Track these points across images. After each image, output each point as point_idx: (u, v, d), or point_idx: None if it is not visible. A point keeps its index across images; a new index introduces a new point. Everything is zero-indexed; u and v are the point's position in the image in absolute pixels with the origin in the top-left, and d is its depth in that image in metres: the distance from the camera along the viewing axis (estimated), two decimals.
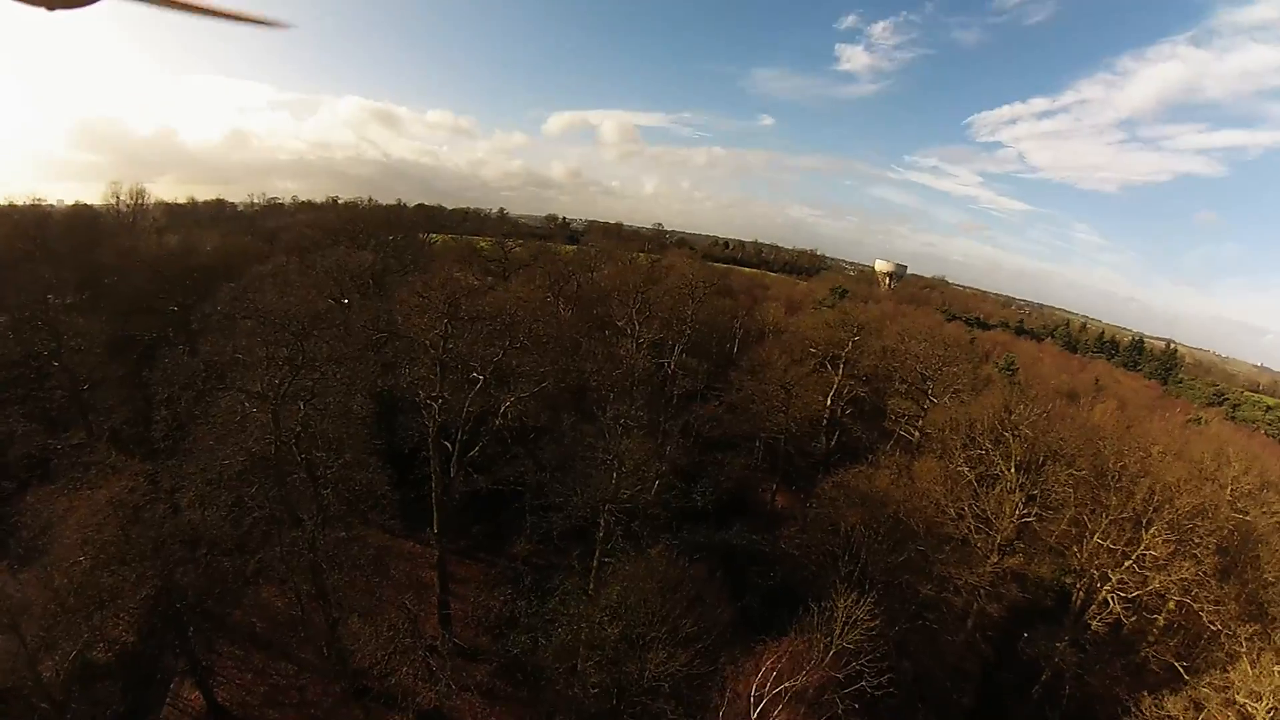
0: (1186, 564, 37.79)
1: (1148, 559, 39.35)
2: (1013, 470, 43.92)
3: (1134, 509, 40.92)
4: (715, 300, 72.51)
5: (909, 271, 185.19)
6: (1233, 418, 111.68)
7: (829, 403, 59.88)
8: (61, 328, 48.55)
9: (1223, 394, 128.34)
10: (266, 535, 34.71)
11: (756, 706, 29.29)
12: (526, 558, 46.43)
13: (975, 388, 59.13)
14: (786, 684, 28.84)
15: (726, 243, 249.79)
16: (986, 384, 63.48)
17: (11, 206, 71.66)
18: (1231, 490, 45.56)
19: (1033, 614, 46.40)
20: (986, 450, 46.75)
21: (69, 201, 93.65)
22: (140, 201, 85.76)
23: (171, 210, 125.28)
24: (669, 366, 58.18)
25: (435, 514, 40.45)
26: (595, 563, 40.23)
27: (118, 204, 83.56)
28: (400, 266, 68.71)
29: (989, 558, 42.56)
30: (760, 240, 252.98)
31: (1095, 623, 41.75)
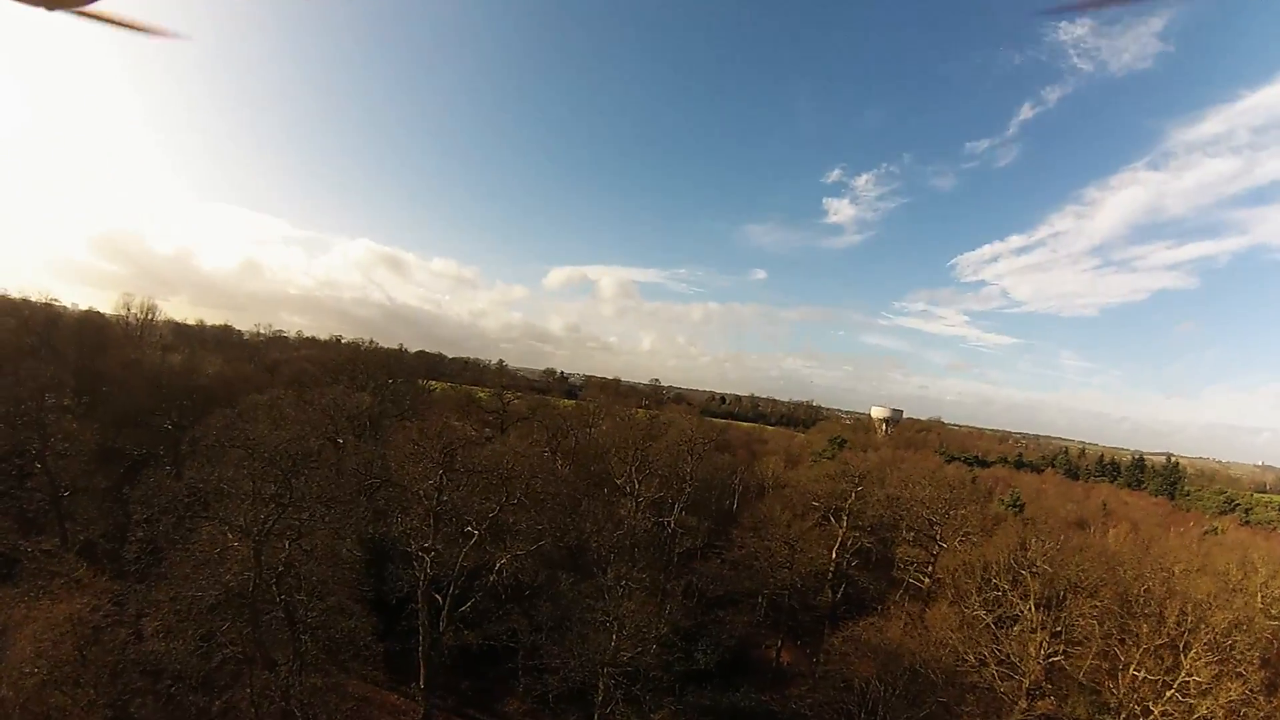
0: (1233, 685, 35.62)
1: (1190, 685, 36.84)
2: (1033, 609, 42.26)
3: (1168, 634, 39.12)
4: (714, 457, 73.00)
5: (904, 416, 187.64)
6: (1247, 522, 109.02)
7: (834, 555, 58.61)
8: (51, 429, 48.17)
9: (1233, 500, 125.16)
10: (236, 675, 32.98)
11: None
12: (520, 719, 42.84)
13: (985, 528, 58.02)
14: None
15: (723, 397, 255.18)
16: (996, 523, 62.33)
17: (24, 302, 73.45)
18: (1262, 597, 43.71)
19: None
20: (1004, 591, 45.35)
21: (82, 306, 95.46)
22: (150, 316, 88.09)
23: (179, 329, 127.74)
24: (670, 525, 57.53)
25: (422, 668, 38.52)
26: None
27: (128, 315, 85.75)
28: (398, 411, 68.98)
29: (1017, 703, 39.68)
30: (756, 394, 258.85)
31: None
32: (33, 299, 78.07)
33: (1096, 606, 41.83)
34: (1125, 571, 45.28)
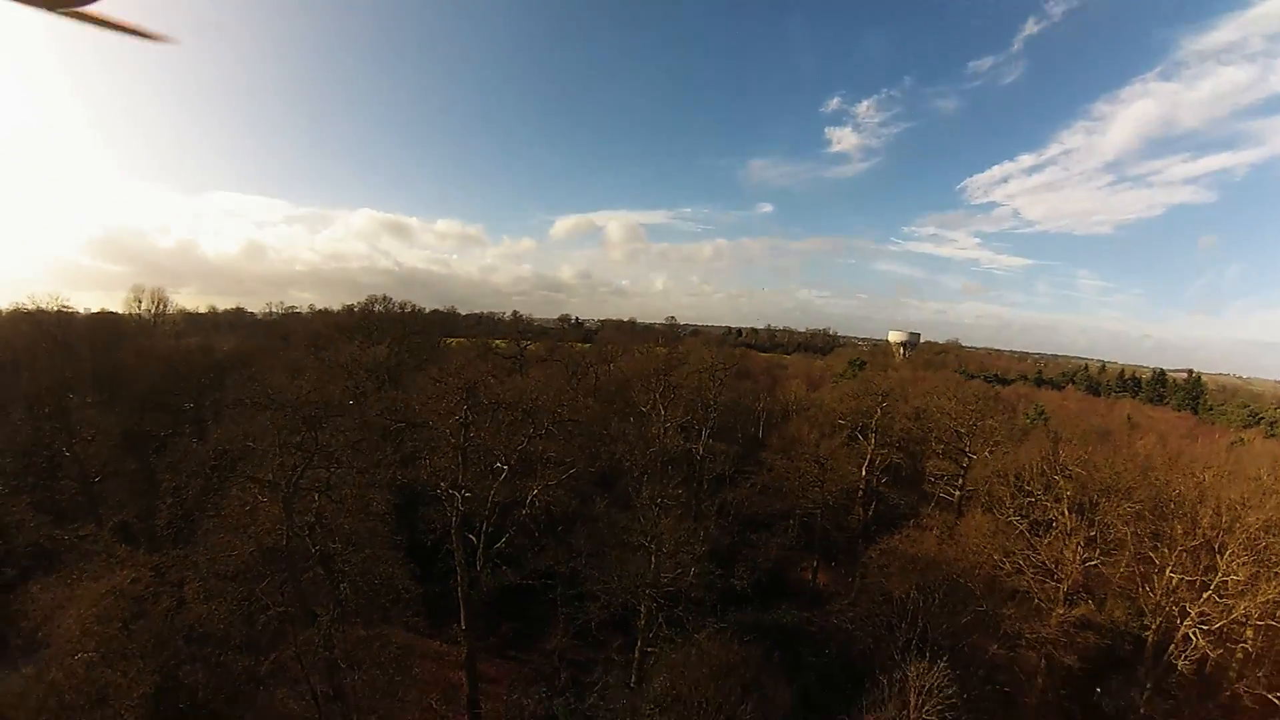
0: (1270, 585, 35.77)
1: (1229, 585, 37.00)
2: (1066, 512, 42.21)
3: (1202, 535, 39.15)
4: (736, 383, 72.60)
5: (922, 339, 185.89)
6: (1272, 435, 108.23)
7: (863, 473, 58.62)
8: (75, 419, 49.09)
9: (1257, 414, 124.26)
10: (279, 633, 33.46)
11: None
12: (562, 653, 43.67)
13: (1014, 438, 57.79)
14: None
15: (739, 330, 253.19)
16: (1024, 434, 62.09)
17: (37, 310, 73.35)
18: None
19: (1108, 665, 43.16)
20: (1037, 497, 45.31)
21: (94, 309, 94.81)
22: (162, 307, 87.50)
23: (191, 318, 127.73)
24: (698, 451, 57.50)
25: (462, 609, 38.72)
26: (638, 653, 38.29)
27: (139, 308, 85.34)
28: (415, 362, 68.46)
29: (1055, 609, 40.07)
30: (772, 325, 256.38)
31: (1180, 663, 38.63)
32: (45, 306, 76.47)
33: (1130, 509, 41.74)
34: (1156, 476, 45.09)
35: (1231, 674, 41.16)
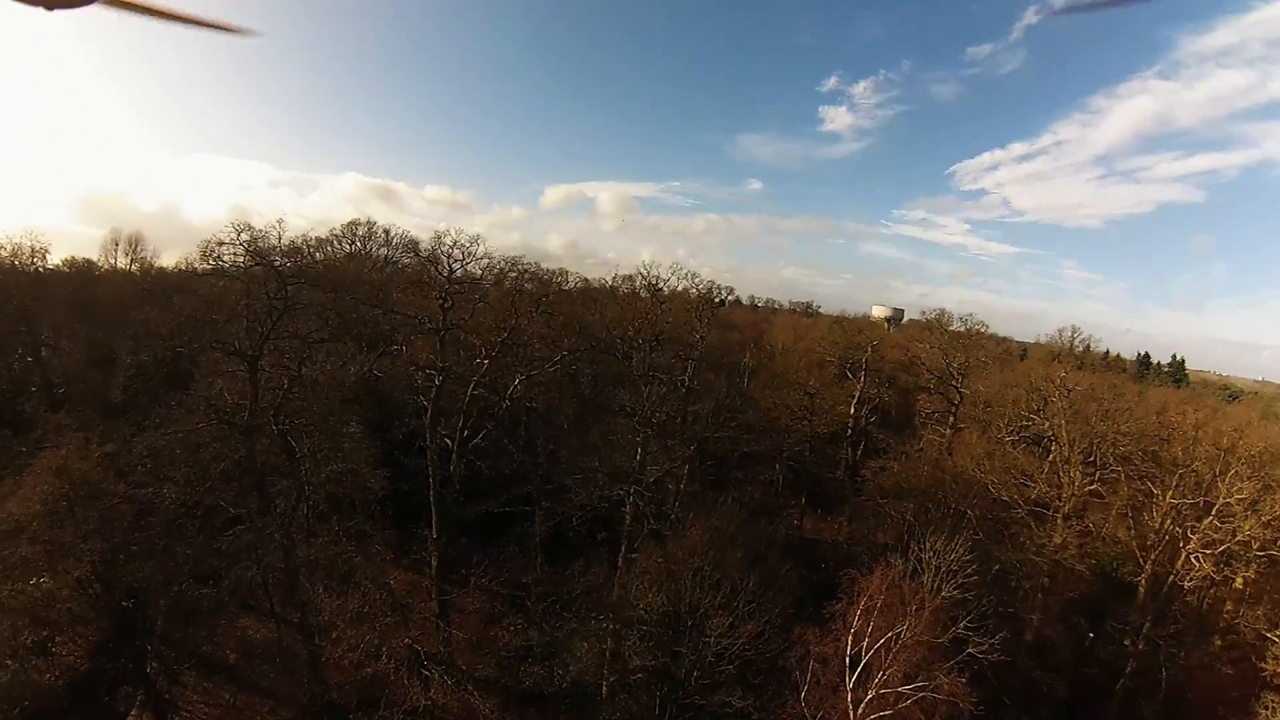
0: (1275, 502, 35.11)
1: (1233, 506, 36.27)
2: (1064, 427, 41.34)
3: (1204, 455, 38.42)
4: (722, 333, 70.86)
5: (906, 318, 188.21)
6: None
7: (851, 411, 57.46)
8: (42, 341, 47.82)
9: (1236, 395, 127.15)
10: (245, 548, 30.84)
11: (854, 670, 24.67)
12: (539, 582, 41.21)
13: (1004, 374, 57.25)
14: (891, 633, 24.35)
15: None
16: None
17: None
18: None
19: (1110, 592, 42.33)
20: (1032, 420, 44.67)
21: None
22: (141, 256, 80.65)
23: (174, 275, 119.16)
24: (684, 383, 55.72)
25: (433, 514, 35.98)
26: (621, 559, 36.05)
27: (116, 255, 78.69)
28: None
29: (1054, 536, 39.14)
30: (755, 297, 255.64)
31: (1186, 582, 38.07)
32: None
33: (1130, 429, 41.22)
34: (1151, 414, 44.99)
35: (1228, 609, 40.79)
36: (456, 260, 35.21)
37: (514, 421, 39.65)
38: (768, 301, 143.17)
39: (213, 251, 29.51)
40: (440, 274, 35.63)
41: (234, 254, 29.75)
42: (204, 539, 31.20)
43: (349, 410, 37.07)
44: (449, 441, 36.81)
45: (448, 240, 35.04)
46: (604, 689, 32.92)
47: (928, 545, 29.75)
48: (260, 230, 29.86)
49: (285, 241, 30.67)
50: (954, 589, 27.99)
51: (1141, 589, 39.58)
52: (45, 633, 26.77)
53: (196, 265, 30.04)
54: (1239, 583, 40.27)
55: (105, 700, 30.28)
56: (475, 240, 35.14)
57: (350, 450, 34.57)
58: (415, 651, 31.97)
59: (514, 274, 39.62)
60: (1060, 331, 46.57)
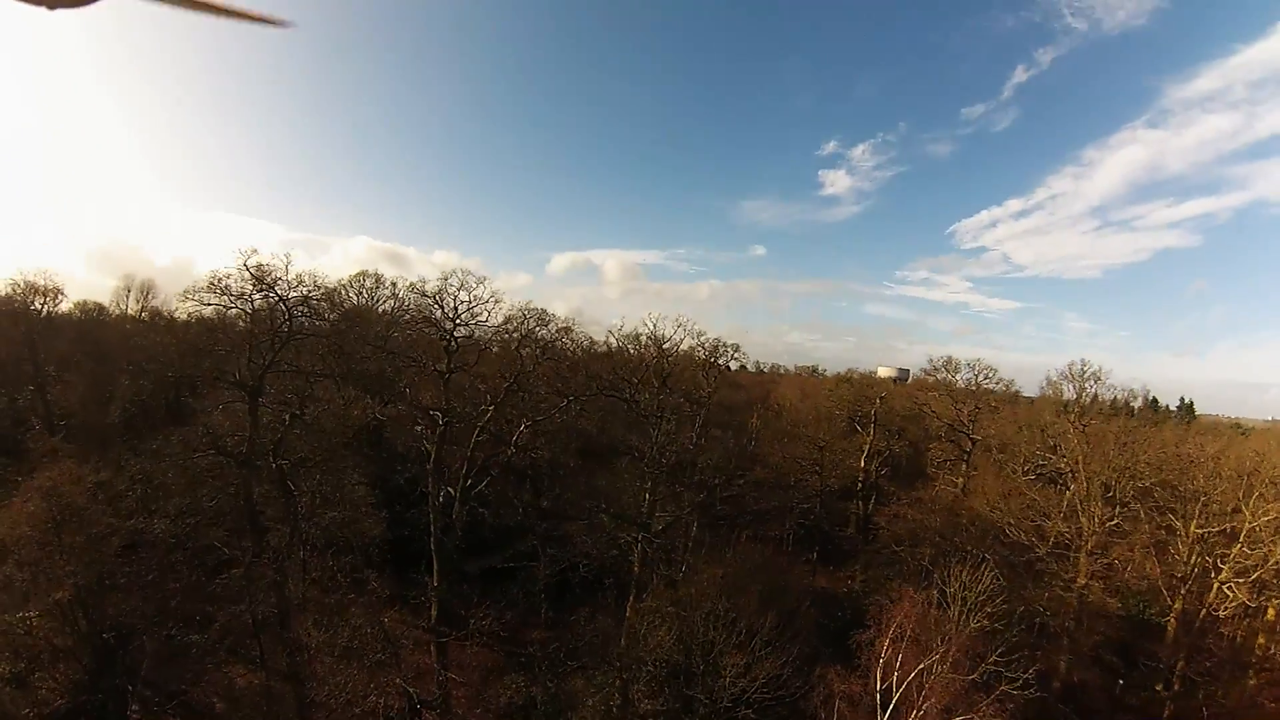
0: None
1: (1260, 530, 35.16)
2: (1082, 467, 40.55)
3: (1227, 481, 37.48)
4: (729, 393, 70.74)
5: (911, 377, 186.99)
6: None
7: (862, 464, 56.63)
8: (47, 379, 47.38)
9: (1247, 432, 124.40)
10: (237, 591, 30.09)
11: (885, 709, 23.16)
12: (542, 635, 39.43)
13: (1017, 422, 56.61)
14: (923, 665, 23.05)
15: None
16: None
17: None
18: None
19: (1139, 638, 40.59)
20: (1049, 458, 44.00)
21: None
22: (148, 296, 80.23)
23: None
24: (692, 439, 55.38)
25: (434, 561, 34.70)
26: (630, 607, 34.65)
27: (129, 302, 78.27)
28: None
29: (1078, 576, 38.00)
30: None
31: (1223, 613, 36.52)
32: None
33: (1147, 463, 40.63)
34: (1169, 446, 44.36)
35: (1260, 642, 38.93)
36: (463, 303, 35.60)
37: (519, 473, 39.05)
38: (772, 366, 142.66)
39: (220, 282, 29.97)
40: (446, 313, 35.94)
41: (241, 282, 30.19)
42: (195, 579, 30.65)
43: (350, 455, 36.80)
44: (451, 490, 36.32)
45: (454, 280, 35.48)
46: None
47: (952, 578, 28.69)
48: (268, 261, 30.26)
49: (292, 276, 30.72)
50: (982, 619, 26.78)
51: (1171, 627, 38.08)
52: (23, 665, 25.46)
53: (203, 298, 29.85)
54: (1270, 614, 38.51)
55: None
56: (482, 282, 35.57)
57: (350, 494, 34.24)
58: (409, 695, 30.13)
59: (520, 317, 39.62)
60: (1070, 366, 45.60)
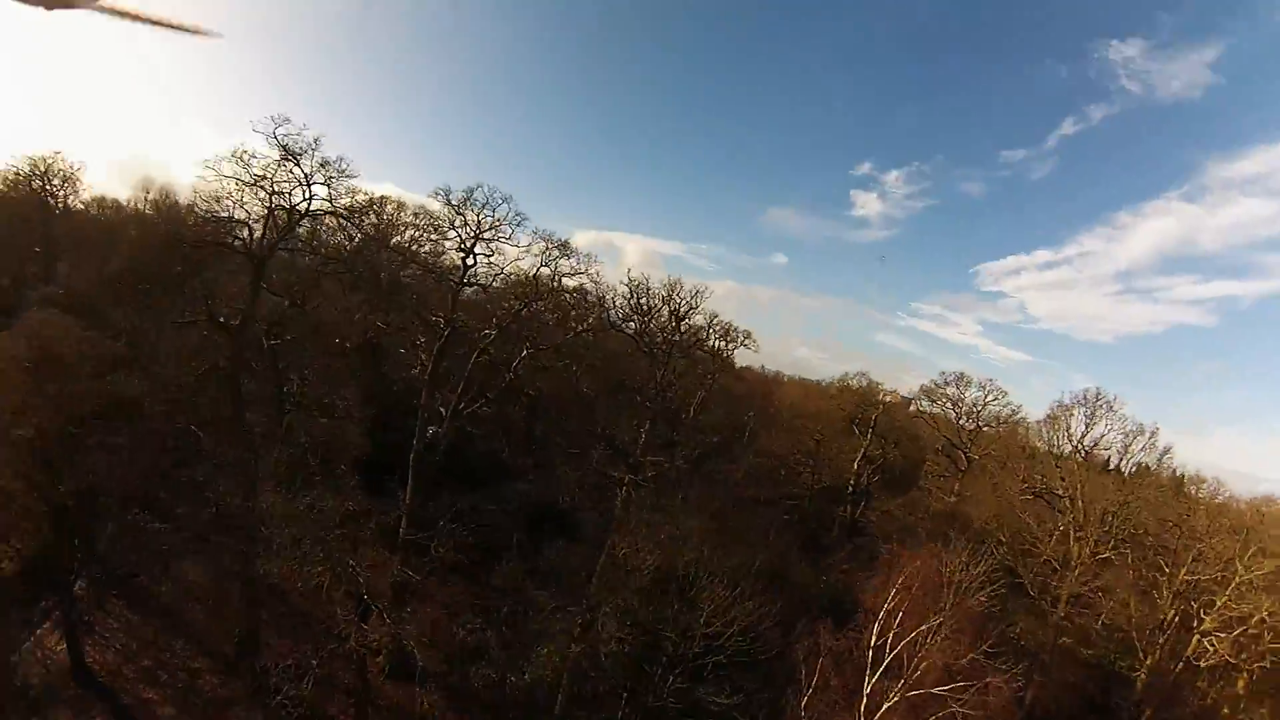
0: None
1: (1255, 581, 34.69)
2: (1080, 497, 40.12)
3: (1224, 533, 37.00)
4: (730, 382, 69.26)
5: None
6: None
7: (855, 467, 55.80)
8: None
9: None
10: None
11: (879, 665, 21.98)
12: (514, 588, 37.61)
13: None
14: (926, 626, 22.02)
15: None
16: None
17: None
18: None
19: (1109, 688, 39.75)
20: (1043, 485, 43.49)
21: None
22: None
23: None
24: (687, 414, 54.32)
25: (410, 475, 33.18)
26: (610, 542, 32.97)
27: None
28: None
29: (1058, 607, 38.00)
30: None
31: (1203, 663, 36.06)
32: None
33: (1145, 500, 40.29)
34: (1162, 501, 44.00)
35: (1225, 713, 38.29)
36: (487, 218, 34.44)
37: (516, 399, 37.96)
38: (776, 373, 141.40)
39: (244, 154, 28.75)
40: (470, 225, 34.54)
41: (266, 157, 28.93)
42: (165, 465, 29.59)
43: (346, 366, 35.78)
44: (442, 411, 35.23)
45: (480, 194, 34.33)
46: (560, 701, 29.86)
47: (948, 561, 27.81)
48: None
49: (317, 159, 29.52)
50: (982, 598, 26.01)
51: (1140, 682, 37.55)
52: None
53: (223, 169, 28.39)
54: (1241, 684, 37.74)
55: (21, 607, 27.60)
56: (507, 199, 34.43)
57: (340, 408, 33.30)
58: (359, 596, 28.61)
59: (542, 245, 38.14)
60: (1086, 392, 44.91)
